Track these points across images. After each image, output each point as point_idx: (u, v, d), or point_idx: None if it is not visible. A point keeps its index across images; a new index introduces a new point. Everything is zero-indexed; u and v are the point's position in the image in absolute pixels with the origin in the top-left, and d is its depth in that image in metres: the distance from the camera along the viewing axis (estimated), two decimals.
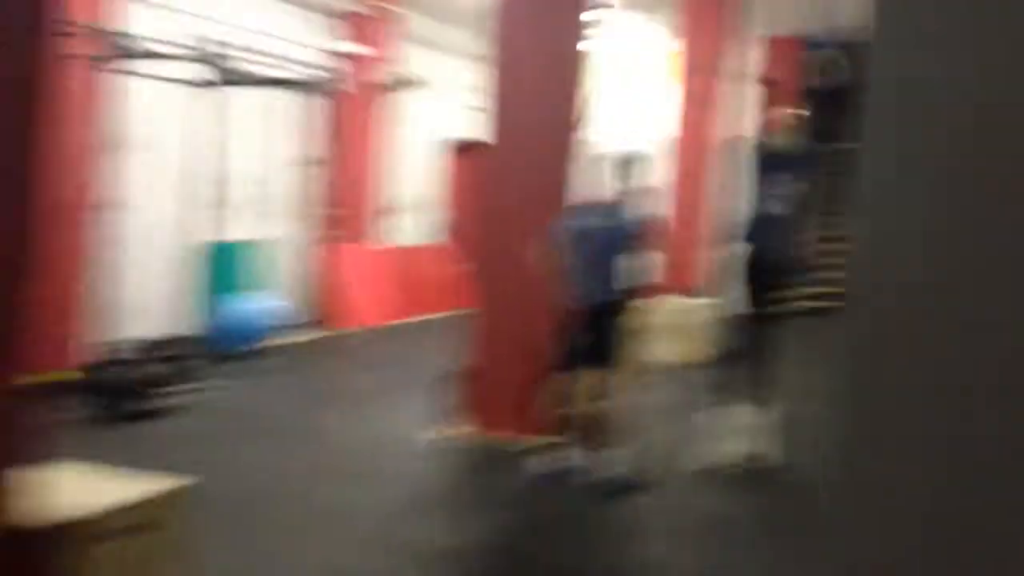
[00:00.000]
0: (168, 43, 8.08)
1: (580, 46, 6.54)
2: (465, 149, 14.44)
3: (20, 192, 2.80)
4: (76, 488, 3.19)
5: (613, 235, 5.31)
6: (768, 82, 12.51)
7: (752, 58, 11.73)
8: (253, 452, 5.91)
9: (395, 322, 11.57)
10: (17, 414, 2.88)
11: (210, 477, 5.17)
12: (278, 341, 9.39)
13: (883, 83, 1.45)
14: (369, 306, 11.34)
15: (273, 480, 5.44)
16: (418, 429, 6.63)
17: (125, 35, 7.58)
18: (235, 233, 9.56)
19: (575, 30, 6.52)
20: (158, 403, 6.70)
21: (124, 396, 6.37)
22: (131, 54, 7.60)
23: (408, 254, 12.63)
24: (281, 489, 5.32)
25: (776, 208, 5.94)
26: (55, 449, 3.26)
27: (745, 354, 6.05)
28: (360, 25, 11.30)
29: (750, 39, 11.45)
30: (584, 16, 6.58)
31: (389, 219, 12.34)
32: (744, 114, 11.18)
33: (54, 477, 3.14)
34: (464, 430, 6.45)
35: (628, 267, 5.41)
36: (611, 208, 5.43)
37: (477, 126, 14.89)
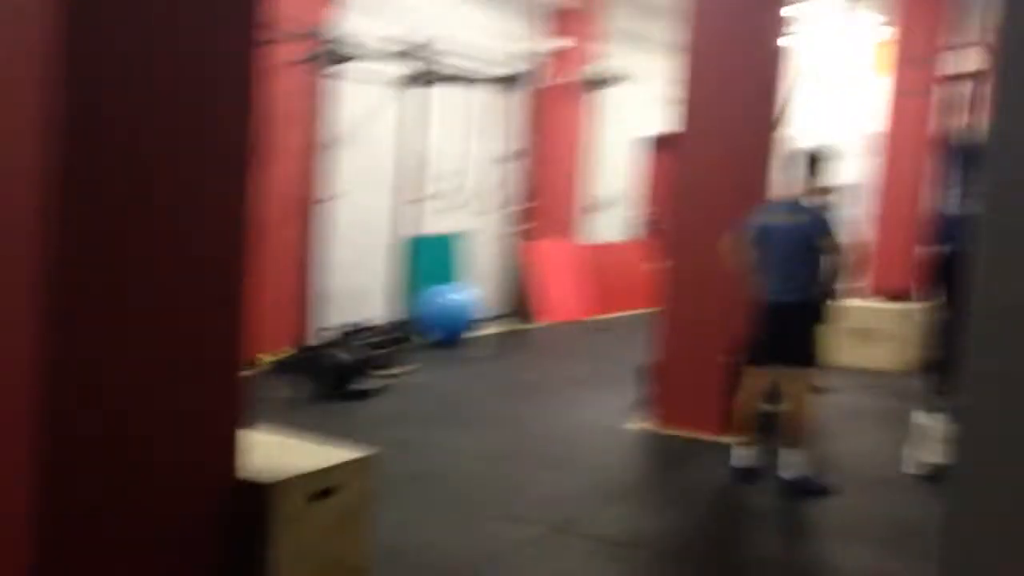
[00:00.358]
0: (377, 45, 8.60)
1: (780, 40, 6.50)
2: (664, 144, 14.45)
3: (243, 190, 3.16)
4: (282, 453, 3.58)
5: (800, 233, 5.23)
6: (982, 76, 11.85)
7: (970, 51, 11.13)
8: (448, 433, 6.24)
9: (591, 318, 11.81)
10: (245, 387, 3.26)
11: (409, 454, 5.60)
12: (477, 331, 9.80)
13: None
14: (566, 301, 11.60)
15: (466, 460, 5.74)
16: (609, 421, 6.81)
17: (338, 39, 8.12)
18: (438, 226, 10.06)
19: (775, 24, 6.49)
20: (367, 384, 7.20)
21: (337, 376, 6.88)
22: (343, 57, 8.13)
23: (606, 250, 12.79)
24: (474, 468, 5.62)
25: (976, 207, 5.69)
26: (271, 419, 3.64)
27: (942, 361, 5.86)
28: (561, 20, 11.54)
29: (968, 31, 10.88)
30: (785, 10, 6.54)
31: (588, 215, 12.54)
32: (958, 110, 10.67)
33: (266, 442, 3.55)
34: (654, 424, 6.56)
35: (818, 267, 5.34)
36: (798, 206, 5.34)
37: (677, 121, 14.83)
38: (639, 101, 13.26)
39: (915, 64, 10.28)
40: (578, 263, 11.96)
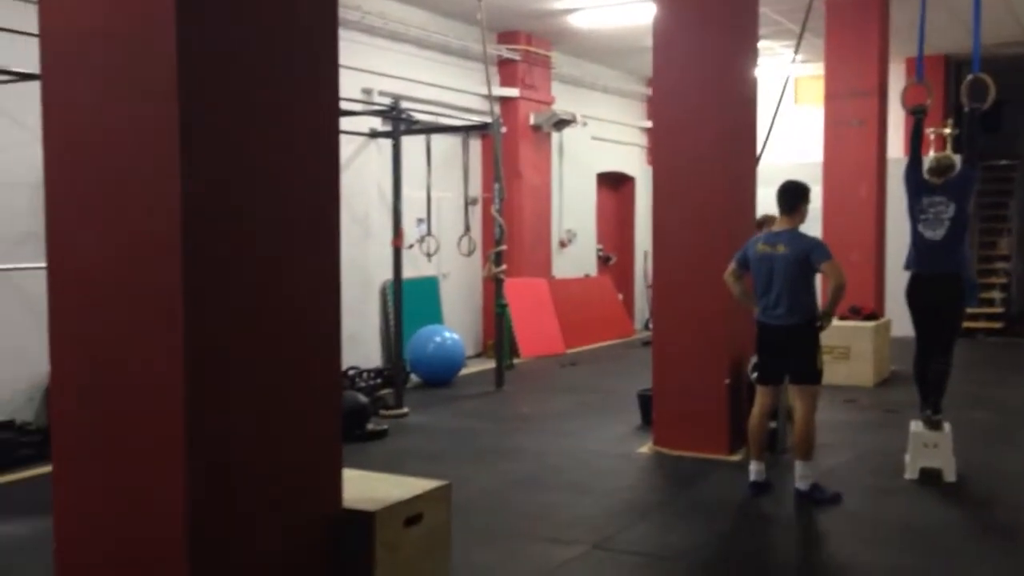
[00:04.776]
0: (352, 100, 8.90)
1: (751, 72, 6.96)
2: (610, 181, 14.98)
3: (332, 243, 3.42)
4: (369, 484, 3.81)
5: (801, 260, 5.62)
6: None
7: (897, 79, 11.78)
8: (465, 467, 6.47)
9: (567, 351, 12.15)
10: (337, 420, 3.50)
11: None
12: (461, 370, 10.06)
13: None
14: (542, 336, 11.93)
15: (490, 490, 5.98)
16: (616, 446, 7.12)
17: None
18: (419, 270, 10.34)
19: (744, 56, 6.94)
20: (378, 425, 7.42)
21: (356, 418, 7.08)
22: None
23: (573, 285, 13.19)
24: (501, 497, 5.87)
25: (932, 230, 6.18)
26: None
27: (921, 373, 6.31)
28: (514, 70, 12.01)
29: (893, 60, 11.53)
30: (753, 43, 7.01)
31: (554, 252, 12.93)
32: (892, 136, 11.31)
33: (349, 476, 3.77)
34: (660, 447, 6.88)
35: (812, 290, 5.74)
36: (796, 234, 5.73)
37: (631, 160, 15.36)
38: (591, 142, 13.79)
39: (846, 95, 10.82)
40: (551, 299, 12.32)
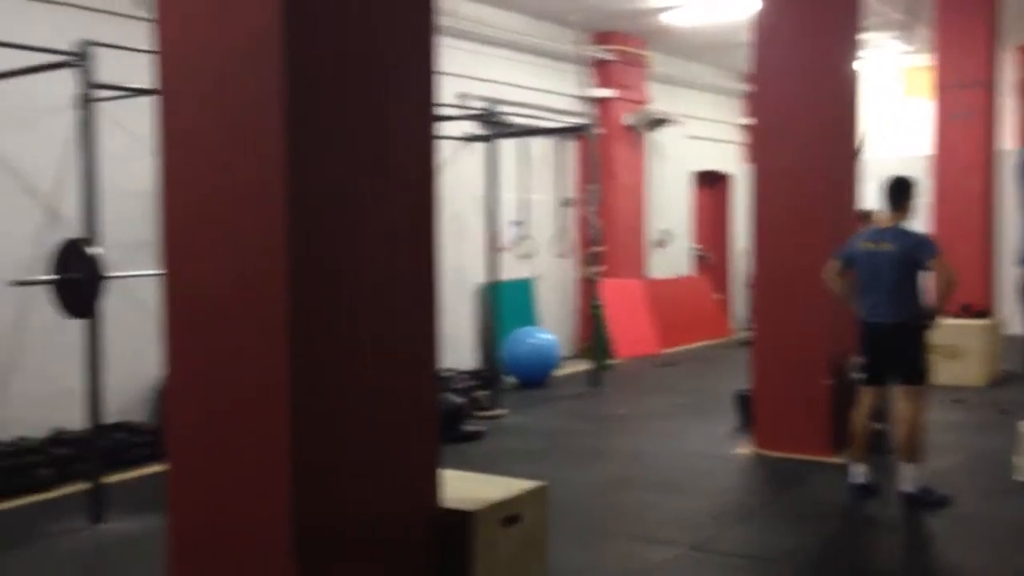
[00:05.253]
0: (447, 105, 9.00)
1: (853, 66, 6.82)
2: (708, 180, 14.81)
3: (431, 254, 3.49)
4: (467, 484, 3.86)
5: (907, 257, 5.47)
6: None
7: (1008, 68, 11.35)
8: (561, 467, 6.48)
9: (662, 352, 12.07)
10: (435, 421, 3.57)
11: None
12: (556, 371, 10.08)
13: None
14: (638, 337, 11.87)
15: (586, 490, 5.99)
16: (714, 447, 7.05)
17: None
18: (515, 272, 10.40)
19: (849, 48, 6.81)
20: (474, 426, 7.49)
21: (452, 419, 7.16)
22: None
23: (669, 285, 13.09)
24: (597, 497, 5.88)
25: None
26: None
27: None
28: (609, 70, 11.97)
29: (1004, 48, 11.13)
30: (856, 36, 6.86)
31: (649, 253, 12.85)
32: (1007, 127, 10.91)
33: (448, 475, 3.82)
34: (760, 448, 6.79)
35: (918, 288, 5.58)
36: (901, 231, 5.59)
37: (727, 158, 15.19)
38: (686, 141, 13.67)
39: (958, 85, 10.49)
40: (646, 300, 12.25)
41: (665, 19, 11.30)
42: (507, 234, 10.22)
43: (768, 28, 6.85)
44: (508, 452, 7.04)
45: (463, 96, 9.90)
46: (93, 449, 5.65)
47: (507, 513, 3.72)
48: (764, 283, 6.93)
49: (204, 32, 3.06)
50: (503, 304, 9.66)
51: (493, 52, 10.48)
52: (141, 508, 5.47)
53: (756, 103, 7.20)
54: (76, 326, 5.64)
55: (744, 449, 6.88)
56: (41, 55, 5.53)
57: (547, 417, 8.41)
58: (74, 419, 6.07)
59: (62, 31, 5.85)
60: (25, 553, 4.99)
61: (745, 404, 7.24)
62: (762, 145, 7.03)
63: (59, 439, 6.31)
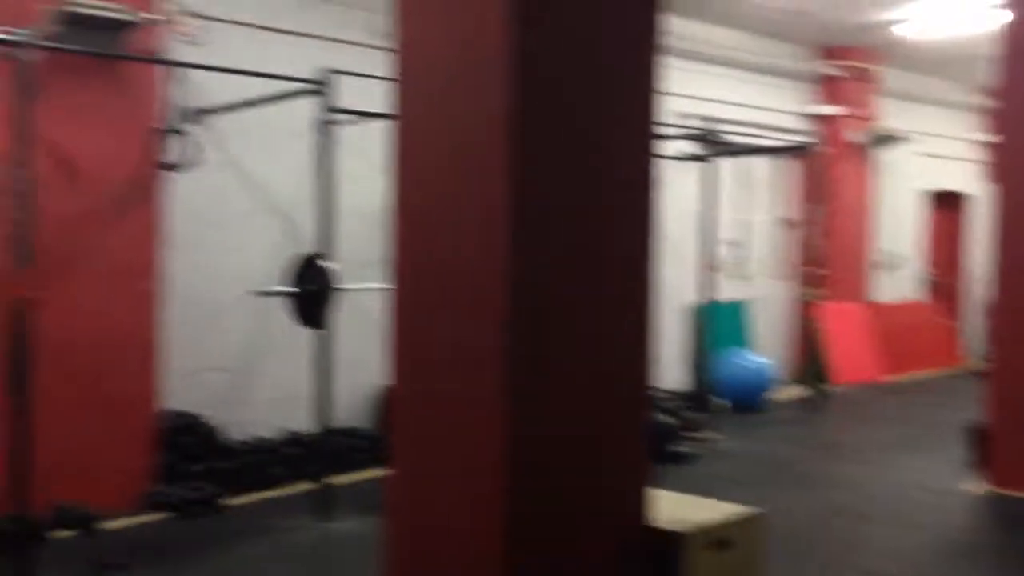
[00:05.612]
0: (666, 124, 8.96)
1: None
2: (944, 201, 13.97)
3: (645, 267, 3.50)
4: (678, 506, 3.83)
5: None
6: None
7: None
8: (774, 494, 6.29)
9: (885, 379, 11.50)
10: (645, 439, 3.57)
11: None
12: (770, 396, 9.81)
13: None
14: (858, 363, 11.37)
15: (800, 518, 5.80)
16: (939, 482, 6.66)
17: None
18: (728, 293, 10.21)
19: None
20: (682, 448, 7.41)
21: (659, 439, 7.13)
22: None
23: (895, 310, 12.47)
24: (812, 526, 5.68)
25: None
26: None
27: None
28: (837, 85, 11.54)
29: None
30: None
31: (873, 276, 12.29)
32: None
33: (659, 495, 3.81)
34: (992, 485, 6.35)
35: None
36: None
37: (963, 177, 14.29)
38: (918, 159, 12.97)
39: None
40: (868, 324, 11.72)
41: (897, 31, 10.80)
42: (722, 254, 10.06)
43: (1018, 40, 6.43)
44: (720, 476, 6.92)
45: (681, 115, 9.85)
46: (321, 451, 6.02)
47: (719, 537, 3.66)
48: (1006, 310, 6.50)
49: (436, 59, 3.22)
50: (715, 325, 9.51)
51: (711, 70, 10.35)
52: (364, 509, 5.76)
53: (1000, 119, 6.76)
54: (308, 335, 6.04)
55: (975, 486, 6.45)
56: (284, 83, 5.96)
57: (760, 442, 8.20)
58: (304, 422, 6.48)
59: (303, 61, 6.28)
60: (259, 545, 5.38)
61: (978, 438, 6.78)
62: (1007, 164, 6.59)
63: (292, 440, 6.75)
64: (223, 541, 5.43)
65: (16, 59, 4.82)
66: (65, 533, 5.31)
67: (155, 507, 5.80)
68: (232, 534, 5.54)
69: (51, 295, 5.35)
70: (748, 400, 9.48)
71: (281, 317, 6.14)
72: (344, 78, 5.95)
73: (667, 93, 9.28)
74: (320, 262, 5.88)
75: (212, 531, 5.59)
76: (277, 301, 6.17)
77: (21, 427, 4.84)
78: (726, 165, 9.92)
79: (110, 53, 5.66)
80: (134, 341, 5.93)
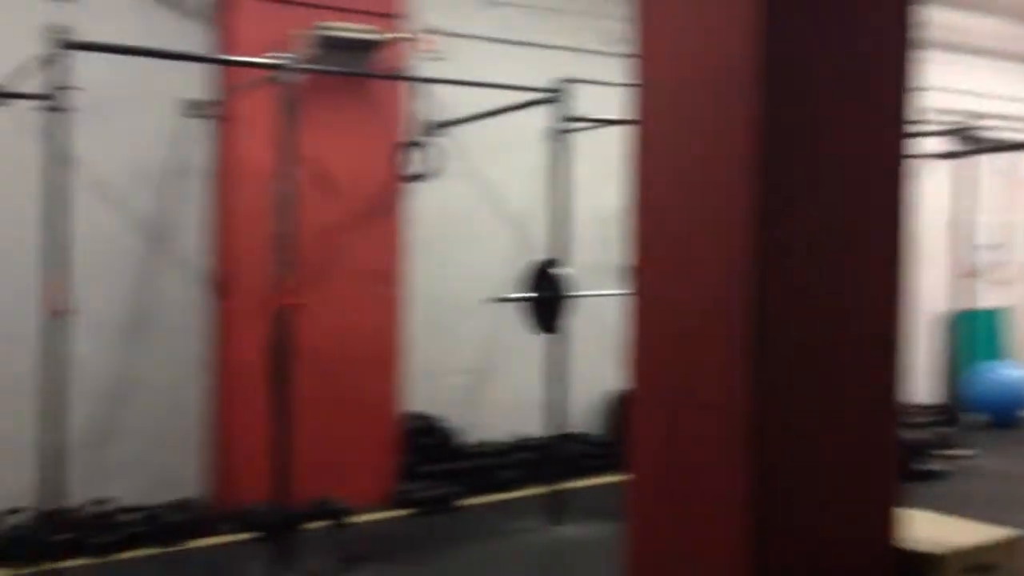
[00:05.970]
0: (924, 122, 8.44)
1: None
2: None
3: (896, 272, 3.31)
4: (933, 526, 3.60)
5: None
6: None
7: None
8: None
9: None
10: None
11: None
12: None
13: None
14: None
15: None
16: None
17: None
18: (984, 301, 9.50)
19: None
20: (929, 465, 6.97)
21: (908, 457, 6.74)
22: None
23: None
24: None
25: None
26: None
27: None
28: None
29: None
30: None
31: None
32: None
33: (914, 515, 3.59)
34: None
35: None
36: None
37: None
38: None
39: None
40: None
41: None
42: (980, 258, 9.36)
43: None
44: (975, 496, 6.44)
45: (939, 111, 9.23)
46: (552, 456, 6.09)
47: (978, 561, 3.41)
48: None
49: (679, 64, 3.18)
50: (971, 335, 8.88)
51: (968, 60, 9.64)
52: (594, 515, 5.78)
53: None
54: (539, 341, 6.13)
55: None
56: (521, 93, 6.08)
57: (1020, 460, 7.57)
58: (535, 427, 6.59)
59: (539, 71, 6.36)
60: (489, 546, 5.51)
61: None
62: None
63: (522, 445, 6.86)
64: (458, 539, 5.61)
65: (280, 82, 5.18)
66: (319, 524, 5.66)
67: (399, 504, 6.08)
68: (467, 533, 5.72)
69: (308, 301, 5.73)
70: (1006, 415, 8.78)
71: (516, 323, 6.27)
72: (577, 85, 6.01)
73: (924, 88, 8.80)
74: (554, 268, 5.96)
75: (448, 529, 5.79)
76: (512, 307, 6.31)
77: (283, 425, 5.20)
78: (985, 162, 9.20)
79: (362, 72, 5.99)
80: (379, 344, 6.24)
